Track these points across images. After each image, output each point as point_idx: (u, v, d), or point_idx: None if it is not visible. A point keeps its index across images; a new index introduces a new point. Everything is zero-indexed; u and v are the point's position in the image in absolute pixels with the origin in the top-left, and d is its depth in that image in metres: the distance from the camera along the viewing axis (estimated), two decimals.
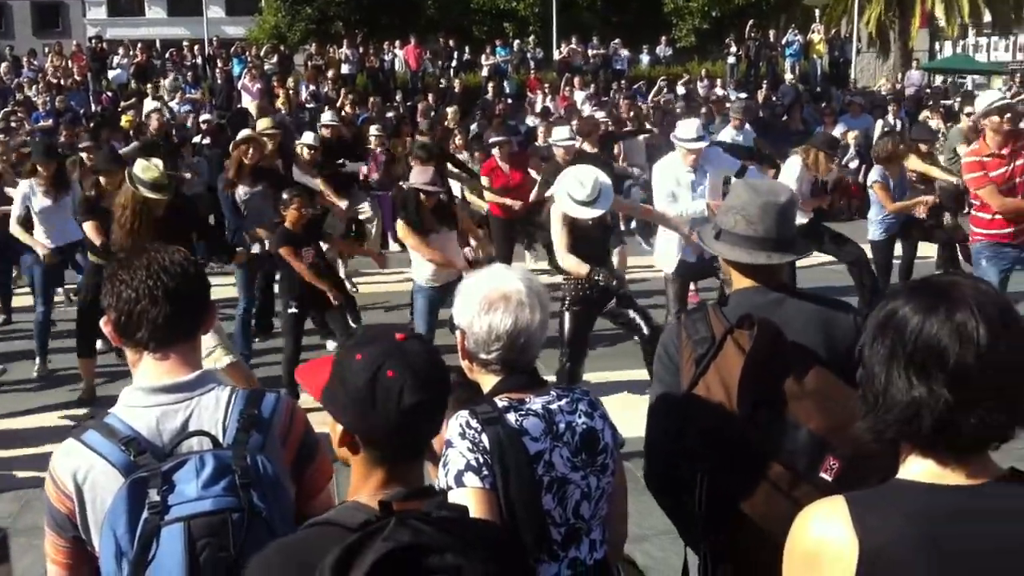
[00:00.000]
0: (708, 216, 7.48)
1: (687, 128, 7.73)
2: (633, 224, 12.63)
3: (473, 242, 8.22)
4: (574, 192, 6.16)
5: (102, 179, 7.76)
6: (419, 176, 7.55)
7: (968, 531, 1.63)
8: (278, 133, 9.68)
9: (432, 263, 7.32)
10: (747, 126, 12.63)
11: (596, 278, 6.30)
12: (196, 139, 14.07)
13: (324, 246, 8.21)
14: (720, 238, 2.88)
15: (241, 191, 8.65)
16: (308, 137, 10.76)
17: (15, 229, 8.33)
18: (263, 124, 9.72)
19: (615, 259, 7.78)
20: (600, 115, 14.56)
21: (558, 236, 6.41)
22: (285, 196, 7.52)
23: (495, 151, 10.48)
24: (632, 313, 6.63)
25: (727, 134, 12.11)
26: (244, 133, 9.19)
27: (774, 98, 20.55)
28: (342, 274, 10.35)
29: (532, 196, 10.00)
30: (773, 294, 2.81)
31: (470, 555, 1.51)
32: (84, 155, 10.09)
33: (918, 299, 1.68)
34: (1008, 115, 7.09)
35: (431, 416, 1.86)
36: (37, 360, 8.45)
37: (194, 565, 1.95)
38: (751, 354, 2.55)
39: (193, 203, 7.16)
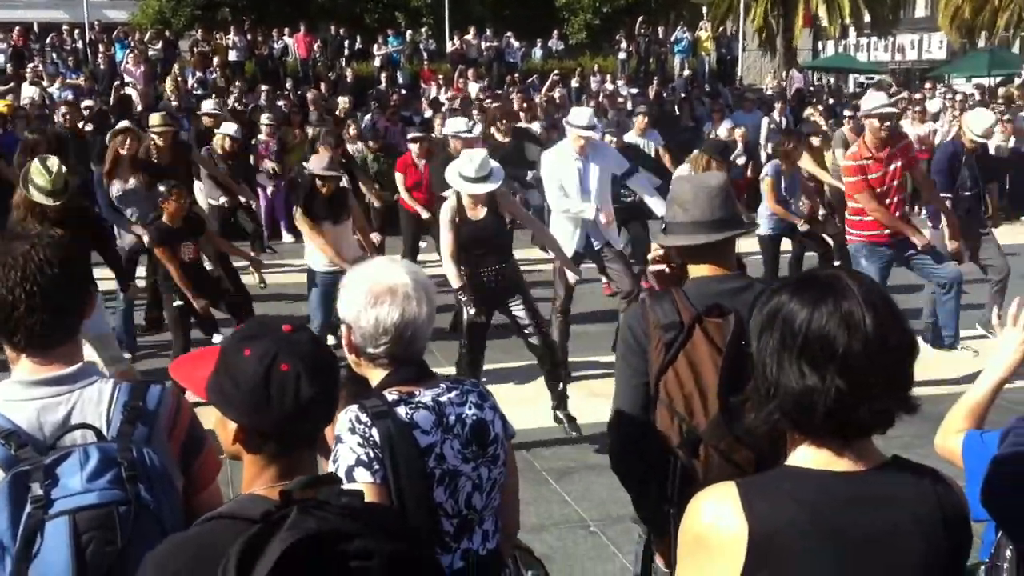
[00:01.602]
0: (598, 222, 7.62)
1: (580, 115, 7.75)
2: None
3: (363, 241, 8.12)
4: (464, 169, 6.20)
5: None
6: (317, 162, 7.49)
7: (857, 517, 1.68)
8: (171, 129, 9.40)
9: (322, 252, 7.29)
10: (651, 130, 12.21)
11: (461, 298, 6.40)
12: (80, 125, 13.57)
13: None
14: (666, 231, 2.99)
15: (115, 186, 8.40)
16: (229, 128, 10.52)
17: None
18: (155, 120, 9.40)
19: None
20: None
21: (444, 238, 6.43)
22: (163, 188, 7.32)
23: (411, 147, 10.28)
24: (523, 317, 6.56)
25: (631, 138, 12.04)
26: (120, 124, 8.92)
27: (664, 94, 20.85)
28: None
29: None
30: (731, 282, 2.88)
31: (377, 539, 1.51)
32: None
33: (805, 292, 1.73)
34: (887, 123, 7.36)
35: (326, 407, 1.85)
36: None
37: (80, 559, 1.91)
38: (730, 346, 2.63)
39: (94, 215, 6.93)
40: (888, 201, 7.41)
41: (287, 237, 12.69)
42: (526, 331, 6.54)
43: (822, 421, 1.69)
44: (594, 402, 6.48)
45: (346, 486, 2.20)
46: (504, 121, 10.63)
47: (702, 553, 1.71)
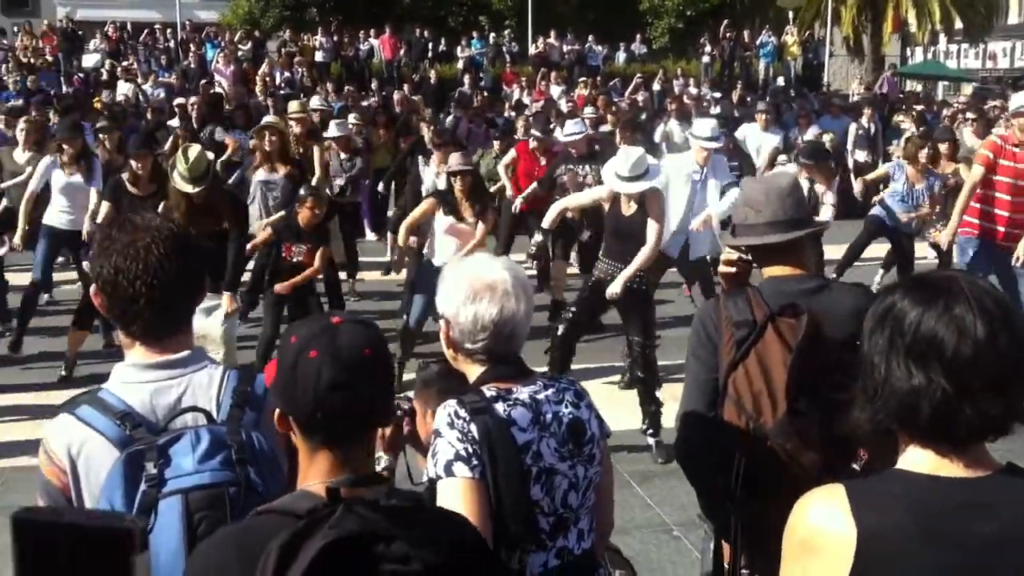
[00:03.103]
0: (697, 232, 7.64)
1: (703, 126, 7.85)
2: None
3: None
4: (619, 168, 6.25)
5: (134, 164, 7.73)
6: (455, 160, 7.61)
7: (967, 524, 1.65)
8: (307, 116, 9.64)
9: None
10: (773, 126, 12.23)
11: (538, 239, 6.61)
12: (171, 123, 13.91)
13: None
14: (735, 233, 3.01)
15: (261, 174, 8.77)
16: (334, 129, 10.68)
17: (25, 204, 8.34)
18: (293, 107, 9.80)
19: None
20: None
21: (581, 194, 6.70)
22: (302, 193, 7.55)
23: (532, 142, 10.38)
24: (631, 334, 6.55)
25: (753, 131, 11.88)
26: (266, 120, 9.23)
27: (748, 99, 20.62)
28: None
29: (527, 191, 9.93)
30: (806, 282, 2.89)
31: (418, 544, 1.50)
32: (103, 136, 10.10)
33: (916, 293, 1.72)
34: None
35: (355, 398, 1.81)
36: (12, 338, 8.37)
37: (192, 538, 1.95)
38: (800, 347, 2.62)
39: (236, 199, 7.22)
40: (1017, 200, 7.22)
41: (370, 236, 12.82)
42: (629, 344, 6.58)
43: (927, 422, 1.67)
44: (676, 406, 6.42)
45: (444, 480, 2.24)
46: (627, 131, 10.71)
47: (808, 555, 1.69)
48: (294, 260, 7.40)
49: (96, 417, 2.10)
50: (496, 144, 12.04)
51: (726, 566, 2.91)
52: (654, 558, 5.08)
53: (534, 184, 9.82)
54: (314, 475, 1.83)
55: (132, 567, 1.33)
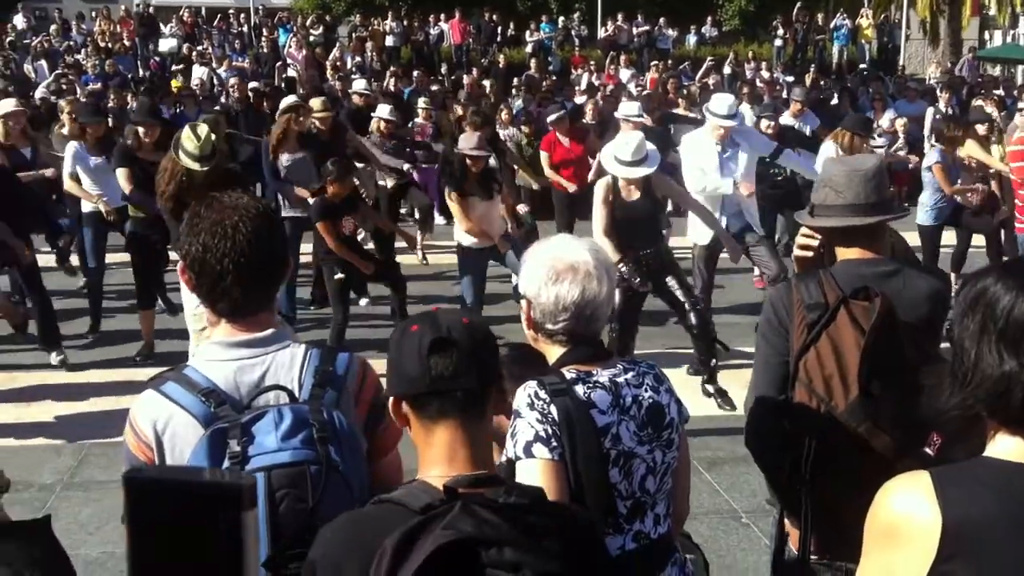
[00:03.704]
0: (736, 196, 7.51)
1: (720, 103, 7.65)
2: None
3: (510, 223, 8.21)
4: (620, 152, 6.24)
5: (140, 130, 7.91)
6: (466, 141, 7.63)
7: None
8: (329, 115, 9.66)
9: (469, 234, 7.42)
10: (808, 112, 12.15)
11: (621, 269, 6.34)
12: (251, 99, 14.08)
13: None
14: (813, 213, 2.97)
15: (284, 157, 8.69)
16: (384, 110, 10.77)
17: (71, 185, 8.40)
18: (315, 104, 9.70)
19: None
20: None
21: (597, 215, 6.48)
22: (331, 166, 7.56)
23: (552, 127, 10.51)
24: (680, 296, 6.64)
25: (785, 121, 11.85)
26: (290, 100, 9.19)
27: (823, 82, 20.28)
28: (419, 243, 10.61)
29: (591, 175, 10.03)
30: (881, 266, 2.86)
31: (532, 551, 1.50)
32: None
33: (1010, 277, 1.68)
34: None
35: (460, 360, 1.82)
36: (90, 321, 8.57)
37: (274, 515, 1.97)
38: (874, 329, 2.59)
39: (242, 181, 7.24)
40: None
41: (439, 219, 12.88)
42: (684, 307, 6.60)
43: (1019, 409, 1.63)
44: (745, 393, 6.39)
45: (524, 461, 2.24)
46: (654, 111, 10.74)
47: (891, 542, 1.66)
48: (346, 233, 7.54)
49: (181, 394, 2.13)
50: (524, 128, 12.11)
51: (794, 550, 2.88)
52: (723, 544, 5.05)
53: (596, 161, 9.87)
54: (433, 462, 1.83)
55: (242, 523, 1.35)
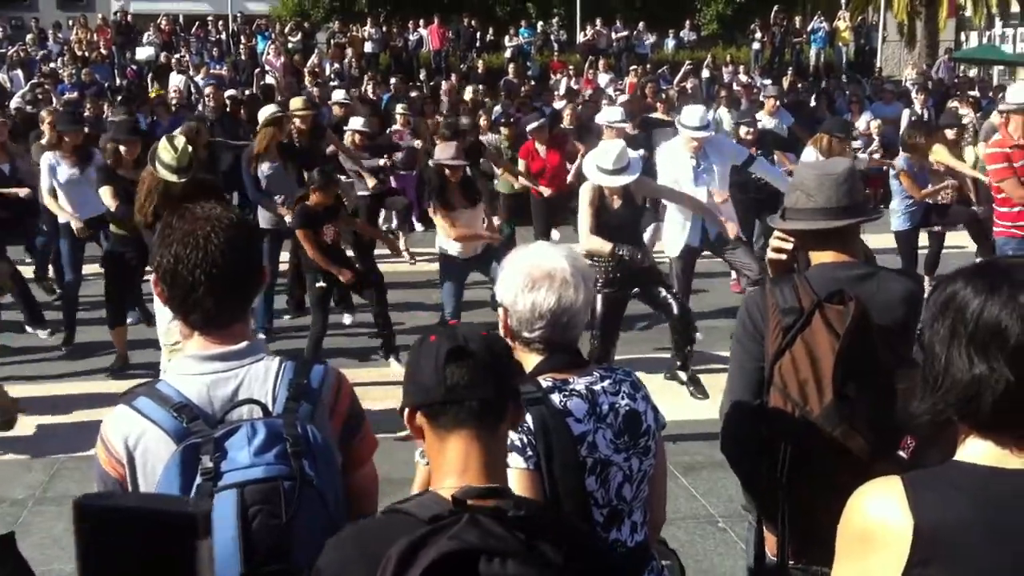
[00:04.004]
0: (711, 203, 7.54)
1: (692, 115, 7.69)
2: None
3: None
4: (601, 161, 6.27)
5: (121, 148, 7.86)
6: (443, 152, 7.63)
7: None
8: (310, 113, 9.65)
9: (458, 240, 7.41)
10: (782, 110, 12.32)
11: (619, 253, 6.37)
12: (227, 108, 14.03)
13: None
14: (784, 216, 2.98)
15: (264, 167, 8.64)
16: (357, 122, 10.79)
17: (48, 201, 8.34)
18: (295, 104, 9.69)
19: (648, 235, 7.88)
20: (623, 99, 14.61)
21: (583, 217, 6.50)
22: (315, 175, 7.56)
23: (531, 135, 10.52)
24: (662, 292, 6.71)
25: (761, 119, 11.91)
26: (270, 110, 9.14)
27: (800, 85, 20.38)
28: (402, 244, 10.84)
29: (570, 177, 10.08)
30: (855, 269, 2.87)
31: (535, 565, 1.50)
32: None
33: (979, 280, 1.69)
34: None
35: (476, 371, 1.80)
36: (64, 332, 8.50)
37: (247, 532, 1.95)
38: (848, 333, 2.60)
39: (219, 192, 7.19)
40: None
41: (418, 227, 12.87)
42: (665, 299, 6.66)
43: (989, 414, 1.64)
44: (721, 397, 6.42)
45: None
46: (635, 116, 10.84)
47: (864, 548, 1.67)
48: (328, 241, 7.52)
49: (153, 409, 2.11)
50: (504, 130, 12.14)
51: (771, 555, 2.88)
52: (700, 549, 5.06)
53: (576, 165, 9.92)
54: (445, 473, 1.81)
55: (196, 551, 1.33)
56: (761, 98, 13.64)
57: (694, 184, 7.52)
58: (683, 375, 6.93)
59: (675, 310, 6.67)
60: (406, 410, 1.88)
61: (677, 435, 6.26)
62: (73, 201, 8.28)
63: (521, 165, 10.59)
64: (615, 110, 10.12)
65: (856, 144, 13.88)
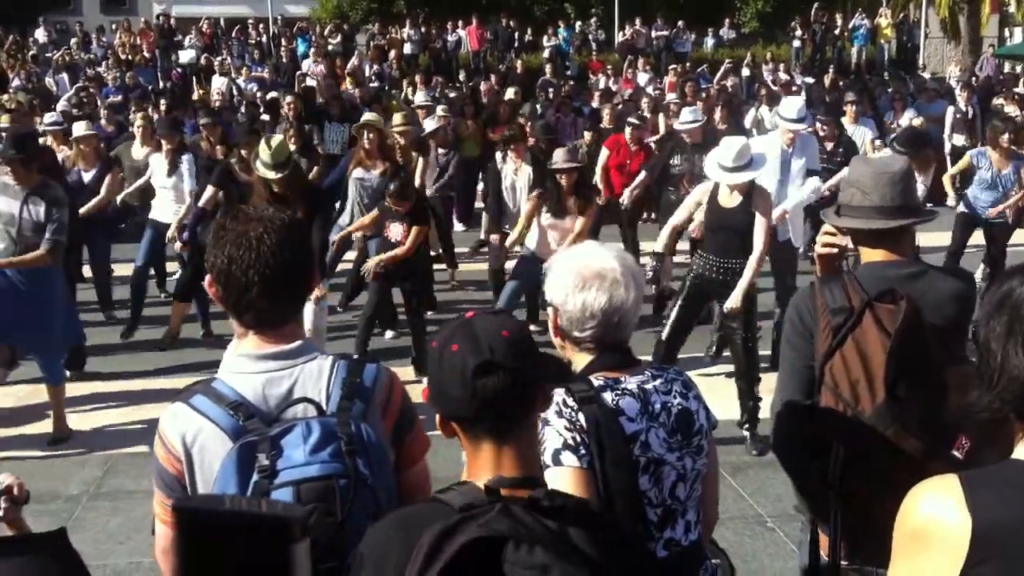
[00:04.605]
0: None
1: (790, 107, 7.76)
2: None
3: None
4: (722, 158, 6.18)
5: (244, 152, 8.23)
6: (557, 156, 7.74)
7: None
8: (410, 127, 9.80)
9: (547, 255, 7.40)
10: (864, 118, 11.97)
11: (653, 263, 6.47)
12: (264, 117, 14.18)
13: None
14: (839, 213, 2.94)
15: (360, 173, 8.77)
16: (430, 123, 10.95)
17: (131, 193, 8.97)
18: (396, 119, 9.92)
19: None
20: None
21: (679, 211, 6.58)
22: (392, 187, 7.66)
23: (627, 131, 10.53)
24: (734, 324, 6.37)
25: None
26: (366, 117, 9.37)
27: (841, 83, 20.21)
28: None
29: (636, 182, 9.85)
30: (906, 268, 2.84)
31: (563, 556, 1.50)
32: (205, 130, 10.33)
33: None
34: None
35: (504, 379, 1.77)
36: (127, 327, 8.74)
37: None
38: (900, 332, 2.58)
39: (316, 191, 7.36)
40: None
41: (458, 226, 12.88)
42: (731, 335, 6.45)
43: None
44: (771, 397, 6.36)
45: (552, 469, 2.24)
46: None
47: (920, 547, 1.65)
48: (394, 240, 7.60)
49: (210, 406, 2.13)
50: (587, 135, 12.07)
51: (824, 557, 2.86)
52: (748, 549, 5.04)
53: (641, 174, 9.78)
54: (481, 469, 1.82)
55: (292, 555, 1.35)
56: (811, 104, 13.44)
57: (778, 184, 7.51)
58: (745, 432, 6.37)
59: (740, 353, 6.37)
60: (437, 415, 1.88)
61: (724, 436, 6.19)
62: (165, 202, 8.75)
63: (602, 155, 10.53)
64: (689, 111, 10.06)
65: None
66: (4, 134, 7.20)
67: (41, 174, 6.46)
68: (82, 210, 8.35)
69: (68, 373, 7.43)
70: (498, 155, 9.92)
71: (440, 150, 10.78)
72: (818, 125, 9.82)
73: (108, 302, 9.27)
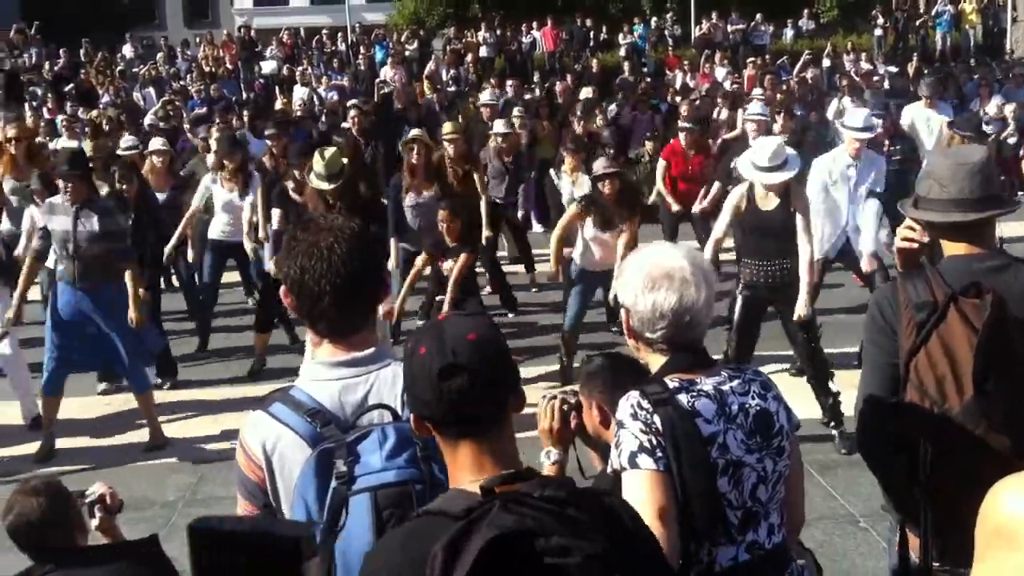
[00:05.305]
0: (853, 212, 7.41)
1: (855, 116, 7.63)
2: None
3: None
4: (756, 158, 6.09)
5: (296, 173, 7.94)
6: (596, 165, 7.58)
7: None
8: (460, 136, 9.57)
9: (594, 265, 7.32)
10: (940, 103, 11.52)
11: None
12: (344, 124, 14.36)
13: None
14: (917, 205, 2.87)
15: (410, 198, 8.60)
16: (499, 125, 10.82)
17: (186, 221, 8.72)
18: (446, 128, 9.66)
19: None
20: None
21: (719, 221, 6.43)
22: (443, 210, 7.57)
23: (681, 136, 10.15)
24: (797, 328, 6.30)
25: (917, 111, 11.39)
26: (413, 133, 9.21)
27: (925, 71, 19.73)
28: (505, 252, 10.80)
29: (705, 201, 9.61)
30: (990, 260, 2.76)
31: (575, 535, 1.51)
32: (269, 143, 10.29)
33: None
34: None
35: (469, 382, 1.77)
36: (198, 341, 8.87)
37: (381, 535, 1.97)
38: (987, 326, 2.53)
39: (372, 201, 7.40)
40: None
41: (536, 227, 12.90)
42: (795, 336, 6.35)
43: None
44: (854, 393, 6.24)
45: (629, 472, 2.23)
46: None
47: (1002, 545, 1.59)
48: (444, 273, 7.50)
49: (288, 414, 2.17)
50: (648, 144, 11.81)
51: (914, 557, 2.79)
52: (839, 549, 4.95)
53: (715, 186, 9.47)
54: (462, 471, 1.83)
55: (305, 572, 1.39)
56: (890, 87, 13.13)
57: (848, 196, 7.38)
58: (833, 431, 6.28)
59: (805, 353, 6.32)
60: (412, 414, 1.89)
61: (811, 434, 6.11)
62: (231, 220, 8.59)
63: (660, 167, 10.12)
64: (757, 105, 9.89)
65: (988, 129, 13.27)
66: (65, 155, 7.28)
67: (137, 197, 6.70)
68: (167, 249, 8.52)
69: (160, 381, 7.63)
70: (551, 172, 9.82)
71: (506, 158, 10.58)
72: (876, 120, 9.48)
73: (198, 311, 9.43)
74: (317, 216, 2.32)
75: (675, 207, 9.89)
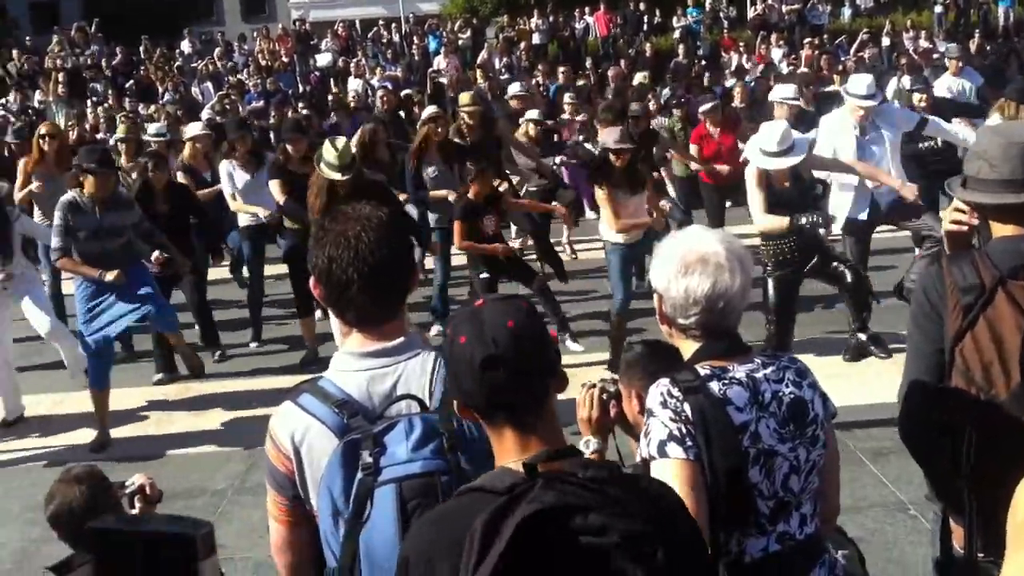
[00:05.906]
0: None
1: (859, 83, 7.41)
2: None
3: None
4: (764, 144, 6.13)
5: (288, 147, 8.09)
6: (607, 136, 7.54)
7: None
8: (478, 108, 9.64)
9: (620, 231, 7.29)
10: (967, 69, 11.51)
11: (800, 223, 6.21)
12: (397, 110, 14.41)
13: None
14: (966, 185, 2.76)
15: (430, 169, 8.72)
16: (532, 113, 10.82)
17: (234, 204, 8.73)
18: (463, 99, 9.75)
19: None
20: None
21: (754, 197, 6.37)
22: (471, 166, 7.71)
23: (704, 117, 10.18)
24: (835, 264, 6.58)
25: (944, 82, 11.23)
26: (430, 110, 9.27)
27: (988, 47, 19.26)
28: (564, 239, 10.96)
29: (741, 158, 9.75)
30: None
31: (614, 515, 1.51)
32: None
33: None
34: None
35: (511, 369, 1.79)
36: (251, 332, 8.91)
37: (406, 526, 1.97)
38: None
39: (385, 191, 7.36)
40: None
41: (590, 213, 12.84)
42: (838, 269, 6.56)
43: None
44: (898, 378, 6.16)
45: (657, 461, 2.21)
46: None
47: None
48: (491, 233, 7.66)
49: (316, 405, 2.18)
50: (676, 112, 11.76)
51: (958, 548, 2.72)
52: (890, 537, 4.87)
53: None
54: (508, 453, 1.84)
55: (199, 572, 1.43)
56: (945, 62, 12.87)
57: (855, 156, 7.20)
58: (863, 336, 6.78)
59: (848, 278, 6.54)
60: (456, 402, 1.91)
61: (862, 420, 5.99)
62: (250, 204, 8.62)
63: (694, 151, 10.21)
64: (788, 87, 9.78)
65: None
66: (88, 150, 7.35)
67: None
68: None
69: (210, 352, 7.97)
70: (587, 144, 9.80)
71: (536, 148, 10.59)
72: (915, 96, 9.23)
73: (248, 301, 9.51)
74: (346, 207, 2.30)
75: (723, 170, 9.81)
